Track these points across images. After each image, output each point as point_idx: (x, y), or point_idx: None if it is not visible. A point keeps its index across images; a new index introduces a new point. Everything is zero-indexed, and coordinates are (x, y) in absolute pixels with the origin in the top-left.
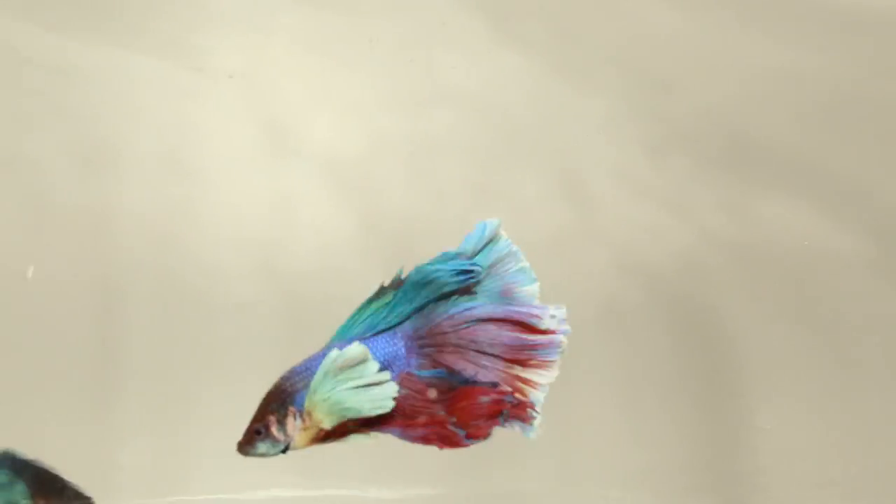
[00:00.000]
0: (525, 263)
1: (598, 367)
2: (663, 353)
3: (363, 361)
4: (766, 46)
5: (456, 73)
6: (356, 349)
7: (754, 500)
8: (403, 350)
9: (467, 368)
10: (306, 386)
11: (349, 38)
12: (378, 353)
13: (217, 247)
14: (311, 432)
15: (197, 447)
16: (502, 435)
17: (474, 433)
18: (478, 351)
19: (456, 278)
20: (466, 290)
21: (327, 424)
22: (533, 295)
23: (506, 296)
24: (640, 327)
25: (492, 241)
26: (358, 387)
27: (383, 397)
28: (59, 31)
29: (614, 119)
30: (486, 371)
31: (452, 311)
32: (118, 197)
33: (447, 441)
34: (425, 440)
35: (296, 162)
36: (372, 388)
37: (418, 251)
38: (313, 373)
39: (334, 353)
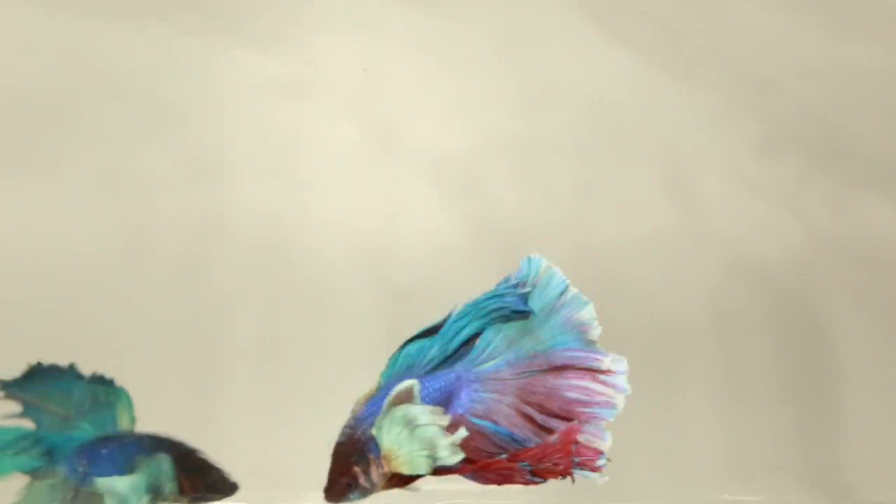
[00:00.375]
0: (574, 290)
1: (703, 366)
2: (768, 352)
3: (420, 406)
4: (869, 48)
5: (565, 73)
6: (405, 384)
7: (854, 497)
8: (459, 389)
9: (518, 427)
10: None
11: (459, 39)
12: (430, 390)
13: (325, 250)
14: (390, 476)
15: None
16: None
17: (551, 476)
18: (534, 405)
19: (510, 301)
20: (525, 331)
21: (406, 471)
22: (592, 317)
23: (568, 327)
24: (746, 326)
25: (543, 277)
26: (426, 434)
27: (453, 447)
28: (169, 34)
29: (721, 118)
30: (537, 432)
31: (513, 357)
32: (227, 202)
33: (524, 481)
34: (500, 482)
35: (404, 163)
36: (441, 436)
37: (526, 253)
38: (377, 415)
39: (389, 400)
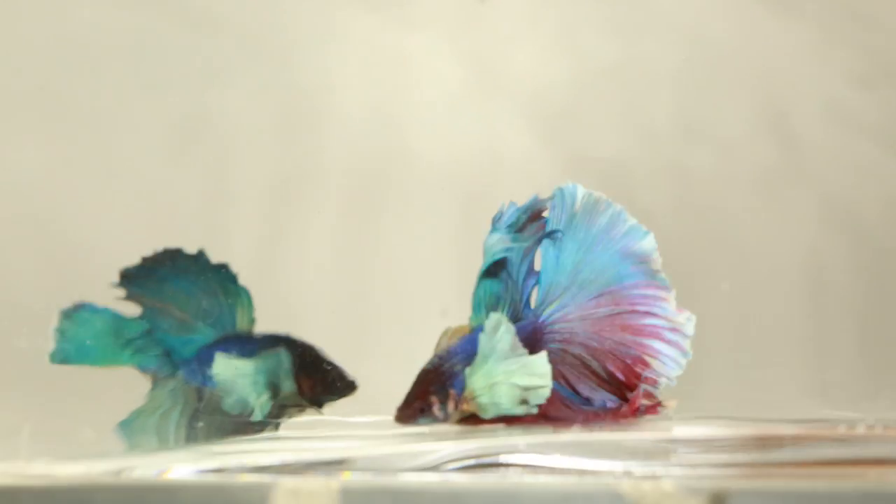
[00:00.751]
0: (631, 220)
1: (795, 317)
2: (863, 303)
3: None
4: None
5: (663, 3)
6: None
7: None
8: (537, 341)
9: (583, 381)
10: (463, 369)
11: None
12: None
13: (423, 190)
14: (464, 414)
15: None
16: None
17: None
18: (599, 359)
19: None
20: (582, 265)
21: (484, 415)
22: (652, 247)
23: (626, 258)
24: (839, 272)
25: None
26: (519, 387)
27: (536, 402)
28: None
29: (819, 52)
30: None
31: (577, 294)
32: (320, 152)
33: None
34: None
35: (501, 100)
36: (531, 391)
37: (625, 191)
38: (469, 355)
39: (489, 337)
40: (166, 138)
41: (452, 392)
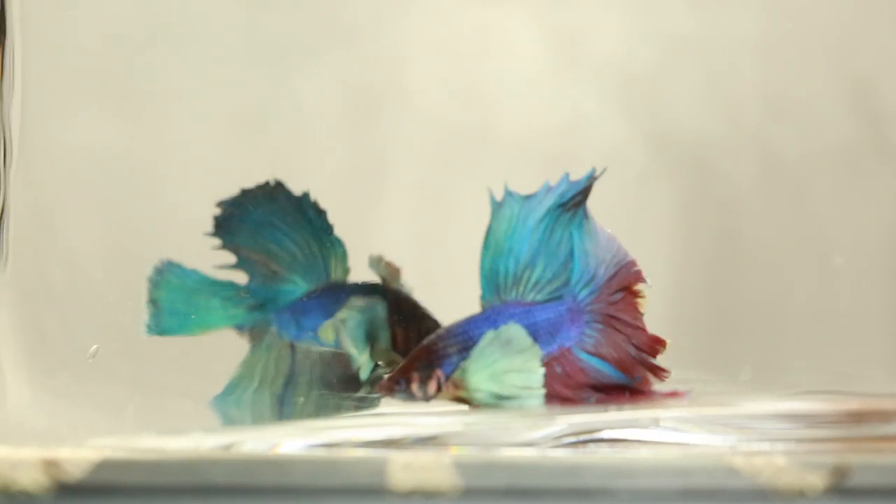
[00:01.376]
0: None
1: (880, 293)
2: None
3: (531, 359)
4: None
5: None
6: (522, 338)
7: None
8: (568, 320)
9: (616, 362)
10: (458, 351)
11: None
12: (538, 320)
13: (503, 174)
14: (453, 397)
15: None
16: None
17: None
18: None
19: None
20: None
21: (475, 402)
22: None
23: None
24: None
25: None
26: (515, 386)
27: (532, 402)
28: None
29: None
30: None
31: (602, 275)
32: (397, 137)
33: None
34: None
35: (583, 75)
36: (527, 393)
37: (707, 167)
38: (468, 337)
39: (495, 334)
40: (236, 119)
41: (438, 372)
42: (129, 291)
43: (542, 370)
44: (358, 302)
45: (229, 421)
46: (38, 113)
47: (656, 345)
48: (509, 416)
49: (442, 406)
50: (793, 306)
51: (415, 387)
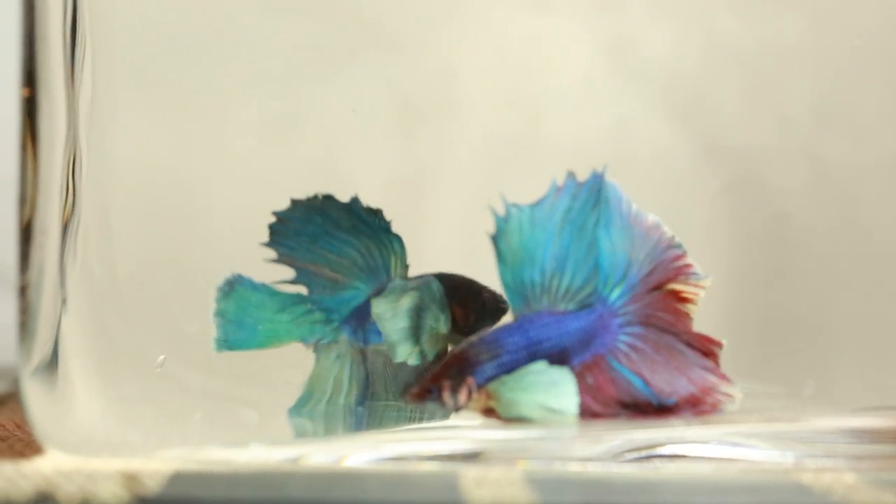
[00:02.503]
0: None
1: None
2: None
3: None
4: None
5: None
6: (562, 377)
7: None
8: (600, 327)
9: (650, 375)
10: (491, 359)
11: None
12: (570, 329)
13: (550, 177)
14: (483, 407)
15: None
16: None
17: None
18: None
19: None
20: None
21: (503, 416)
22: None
23: (649, 230)
24: None
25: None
26: (545, 408)
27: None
28: None
29: None
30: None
31: (634, 276)
32: (443, 148)
33: None
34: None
35: (633, 84)
36: (556, 415)
37: (758, 178)
38: (500, 345)
39: (540, 366)
40: (285, 129)
41: (469, 380)
42: (194, 302)
43: (573, 422)
44: (412, 283)
45: (303, 433)
46: (104, 121)
47: (710, 345)
48: (569, 430)
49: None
50: (845, 319)
51: (446, 395)
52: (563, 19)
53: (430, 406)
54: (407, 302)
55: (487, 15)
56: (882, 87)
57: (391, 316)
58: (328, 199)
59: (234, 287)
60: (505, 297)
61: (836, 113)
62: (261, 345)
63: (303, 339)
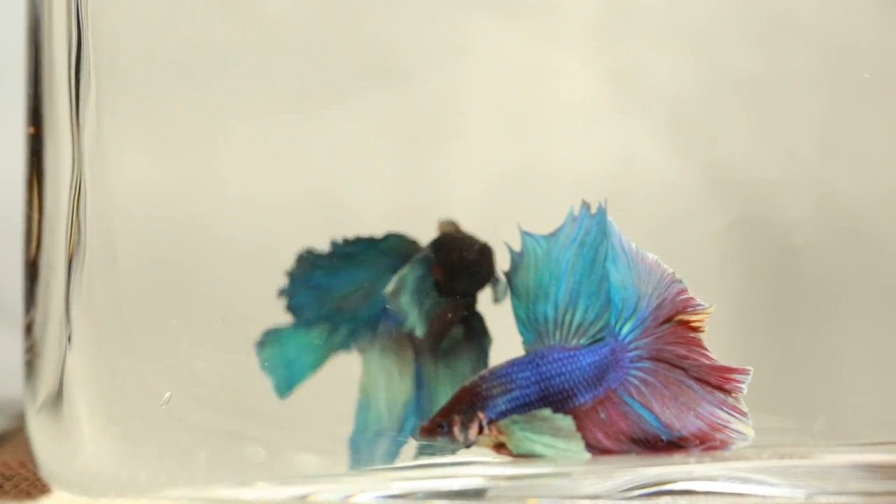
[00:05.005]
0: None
1: None
2: None
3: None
4: None
5: (806, 9)
6: (567, 425)
7: None
8: (614, 363)
9: (661, 413)
10: (502, 393)
11: None
12: (583, 364)
13: (555, 213)
14: (494, 443)
15: None
16: None
17: None
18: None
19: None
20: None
21: (514, 451)
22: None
23: (653, 265)
24: None
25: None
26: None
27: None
28: None
29: None
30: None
31: (645, 310)
32: (448, 167)
33: None
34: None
35: (639, 115)
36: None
37: (763, 208)
38: (511, 380)
39: (548, 413)
40: (281, 161)
41: (481, 415)
42: (201, 338)
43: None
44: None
45: (361, 459)
46: (108, 157)
47: (730, 374)
48: (578, 466)
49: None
50: (856, 352)
51: (456, 430)
52: (567, 51)
53: (441, 441)
54: (405, 274)
55: (492, 47)
56: (889, 120)
57: (395, 292)
58: (310, 252)
59: (268, 337)
60: (490, 248)
61: (845, 144)
62: (312, 369)
63: (345, 349)
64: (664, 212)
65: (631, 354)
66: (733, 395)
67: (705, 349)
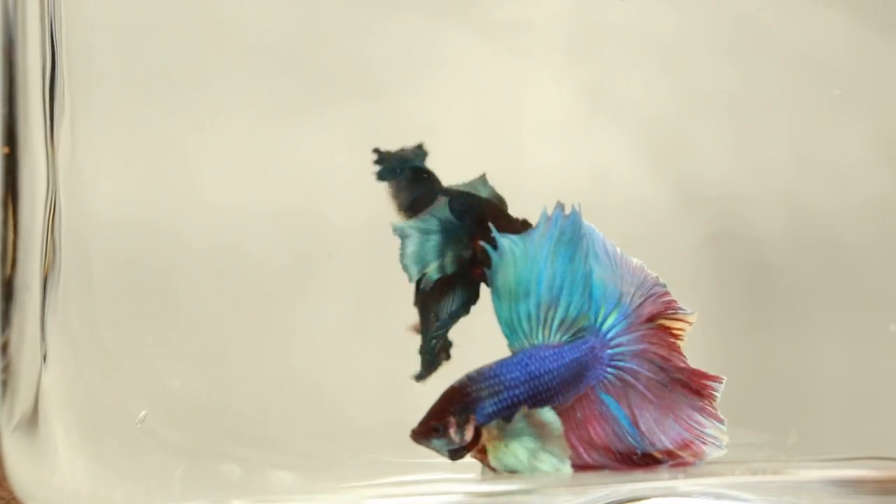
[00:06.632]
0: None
1: None
2: None
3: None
4: None
5: (778, 27)
6: (553, 421)
7: None
8: (594, 361)
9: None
10: (490, 395)
11: None
12: (565, 361)
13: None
14: (481, 447)
15: None
16: None
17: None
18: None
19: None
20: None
21: (493, 464)
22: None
23: (636, 268)
24: None
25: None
26: (536, 463)
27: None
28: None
29: None
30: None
31: (626, 308)
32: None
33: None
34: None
35: (611, 123)
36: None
37: (735, 221)
38: (500, 381)
39: (526, 412)
40: (255, 177)
41: (472, 417)
42: (176, 356)
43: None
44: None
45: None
46: (83, 175)
47: (706, 381)
48: (554, 481)
49: (471, 472)
50: (829, 367)
51: (452, 432)
52: (542, 67)
53: (436, 443)
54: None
55: (466, 61)
56: (860, 136)
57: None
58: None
59: None
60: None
61: (816, 158)
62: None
63: None
64: (638, 226)
65: (611, 352)
66: (709, 400)
67: (683, 355)
